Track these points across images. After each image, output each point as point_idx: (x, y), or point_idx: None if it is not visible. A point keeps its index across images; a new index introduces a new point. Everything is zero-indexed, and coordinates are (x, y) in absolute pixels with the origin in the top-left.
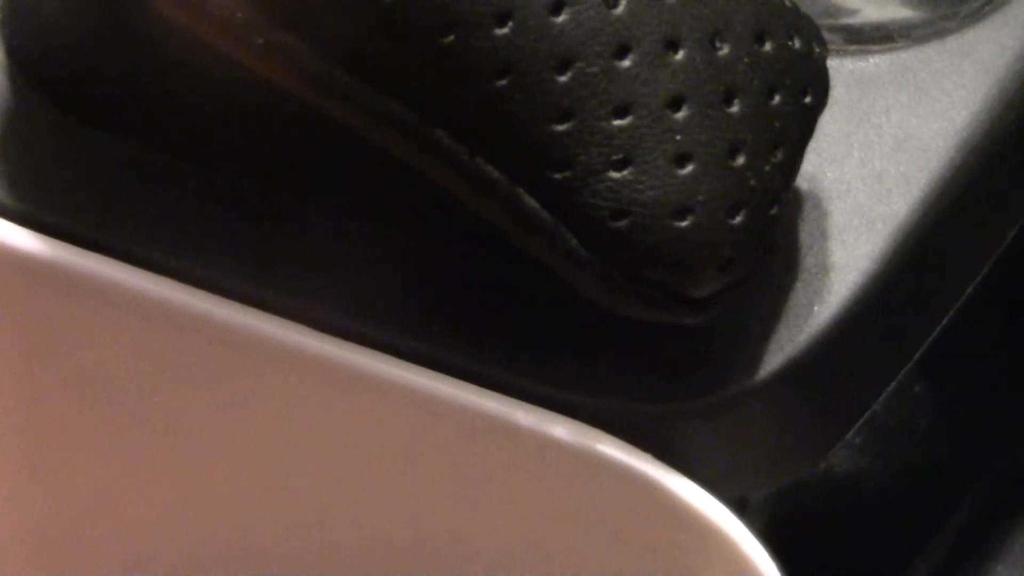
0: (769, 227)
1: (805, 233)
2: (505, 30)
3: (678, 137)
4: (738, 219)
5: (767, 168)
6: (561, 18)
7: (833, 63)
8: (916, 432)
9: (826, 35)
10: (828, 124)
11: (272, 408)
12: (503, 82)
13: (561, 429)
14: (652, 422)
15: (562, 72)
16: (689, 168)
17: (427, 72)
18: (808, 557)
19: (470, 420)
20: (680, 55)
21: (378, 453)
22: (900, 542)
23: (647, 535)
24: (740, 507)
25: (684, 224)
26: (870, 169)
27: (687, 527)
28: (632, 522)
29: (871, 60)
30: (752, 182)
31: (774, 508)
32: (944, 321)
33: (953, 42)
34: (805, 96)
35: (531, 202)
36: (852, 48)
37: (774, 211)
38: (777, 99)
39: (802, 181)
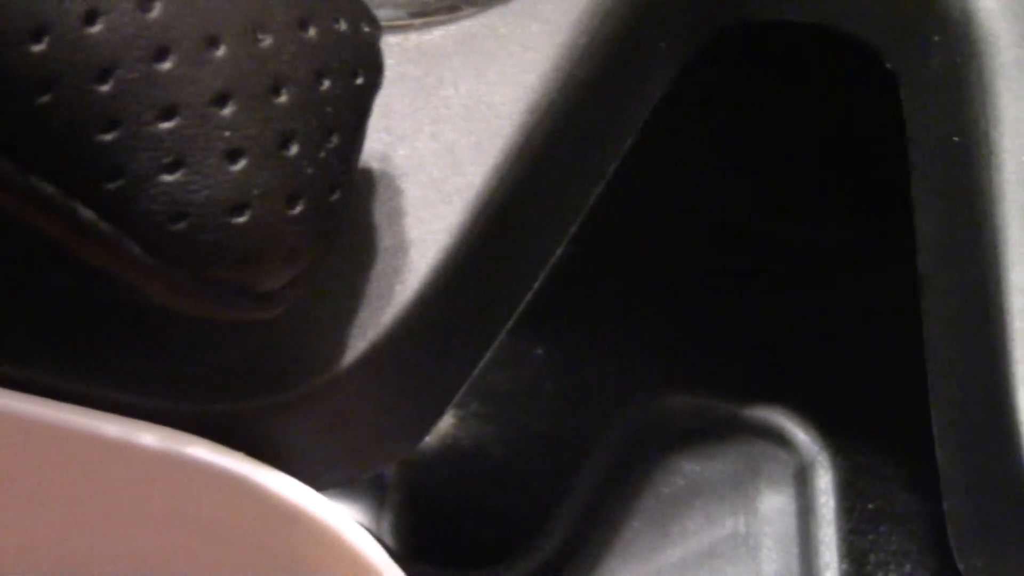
0: (332, 213)
1: (380, 214)
2: (42, 46)
3: (227, 133)
4: (297, 209)
5: (322, 155)
6: (96, 28)
7: (396, 39)
8: (541, 396)
9: (389, 12)
10: (397, 101)
11: None
12: (46, 98)
13: (150, 437)
14: (242, 420)
15: (103, 81)
16: (241, 163)
17: None
18: (446, 531)
19: (55, 436)
20: (221, 51)
21: None
22: (533, 508)
23: (249, 532)
24: (379, 487)
25: (242, 220)
26: (442, 142)
27: (287, 519)
28: (233, 522)
29: (436, 32)
30: (308, 170)
31: (408, 486)
32: (538, 284)
33: (517, 5)
34: (356, 78)
35: (88, 214)
36: (417, 22)
37: (335, 196)
38: (326, 84)
39: (373, 161)
